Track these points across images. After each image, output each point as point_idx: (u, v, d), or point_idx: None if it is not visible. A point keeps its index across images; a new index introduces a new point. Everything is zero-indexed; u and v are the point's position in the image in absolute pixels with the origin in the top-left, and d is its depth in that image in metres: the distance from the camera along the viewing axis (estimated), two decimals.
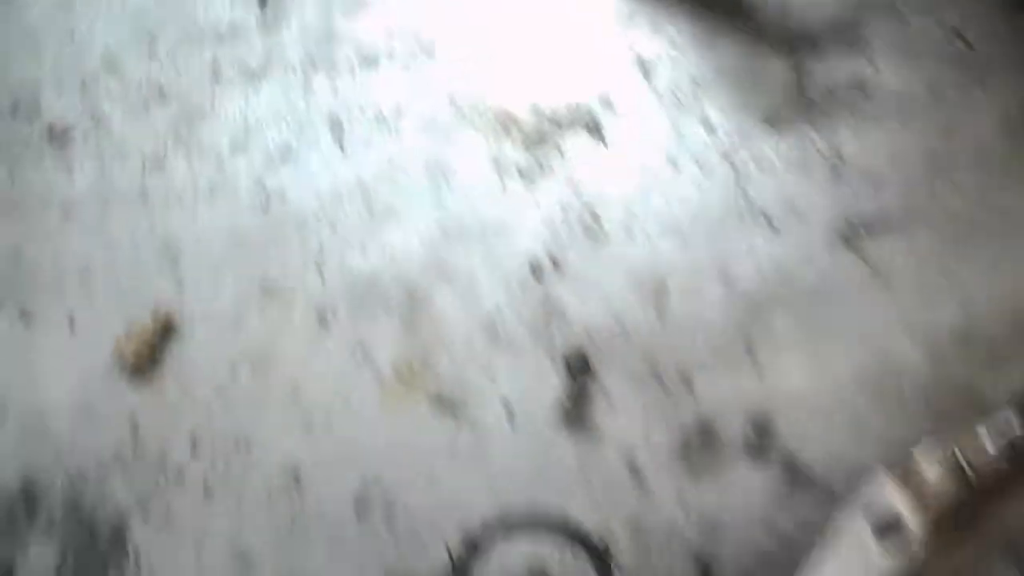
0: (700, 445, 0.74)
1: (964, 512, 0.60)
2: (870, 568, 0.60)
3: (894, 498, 0.60)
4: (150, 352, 0.71)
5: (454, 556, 0.72)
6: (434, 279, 0.74)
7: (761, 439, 0.74)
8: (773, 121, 0.76)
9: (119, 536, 0.71)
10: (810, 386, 0.75)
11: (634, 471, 0.73)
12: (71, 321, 0.73)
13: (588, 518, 0.73)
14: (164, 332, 0.72)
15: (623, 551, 0.72)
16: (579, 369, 0.73)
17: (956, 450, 0.62)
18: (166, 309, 0.73)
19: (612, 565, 0.71)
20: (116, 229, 0.76)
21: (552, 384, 0.74)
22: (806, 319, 0.76)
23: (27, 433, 0.72)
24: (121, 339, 0.70)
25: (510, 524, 0.72)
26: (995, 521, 0.60)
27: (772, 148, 0.76)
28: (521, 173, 0.76)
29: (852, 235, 0.76)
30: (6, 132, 0.82)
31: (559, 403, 0.74)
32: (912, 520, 0.60)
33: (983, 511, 0.59)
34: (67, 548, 0.71)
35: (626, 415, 0.74)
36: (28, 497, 0.71)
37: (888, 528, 0.61)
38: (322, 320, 0.73)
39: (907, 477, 0.62)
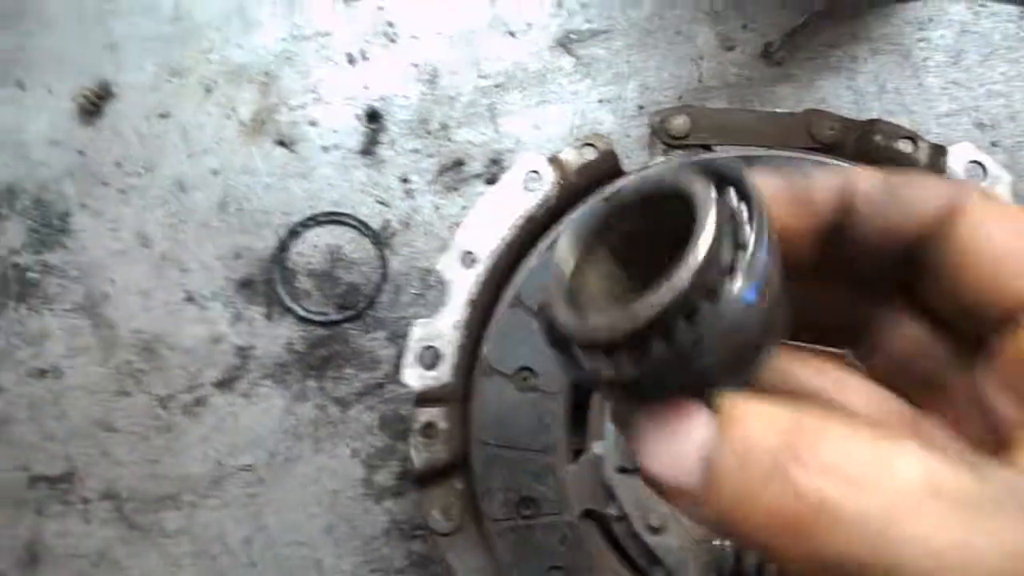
0: (452, 172, 1.06)
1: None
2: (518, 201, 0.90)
3: (539, 162, 0.91)
4: (95, 106, 1.07)
5: (280, 237, 1.06)
6: (282, 64, 1.08)
7: (494, 171, 1.06)
8: None
9: (65, 220, 1.05)
10: (531, 136, 1.06)
11: (407, 188, 1.06)
12: (48, 87, 1.09)
13: (373, 217, 1.06)
14: (105, 93, 1.07)
15: (396, 238, 1.05)
16: (372, 120, 1.06)
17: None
18: (107, 79, 1.08)
19: (385, 243, 1.04)
20: (82, 33, 1.12)
21: (355, 131, 1.07)
22: (531, 95, 1.06)
23: (14, 156, 1.07)
24: (77, 95, 1.05)
25: (318, 218, 1.05)
26: None
27: None
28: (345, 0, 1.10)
29: (567, 41, 1.07)
30: None
31: (359, 143, 1.07)
32: (550, 172, 0.90)
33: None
34: (31, 226, 1.06)
35: (402, 152, 1.07)
36: (11, 193, 1.06)
37: (534, 178, 0.91)
38: (207, 89, 1.07)
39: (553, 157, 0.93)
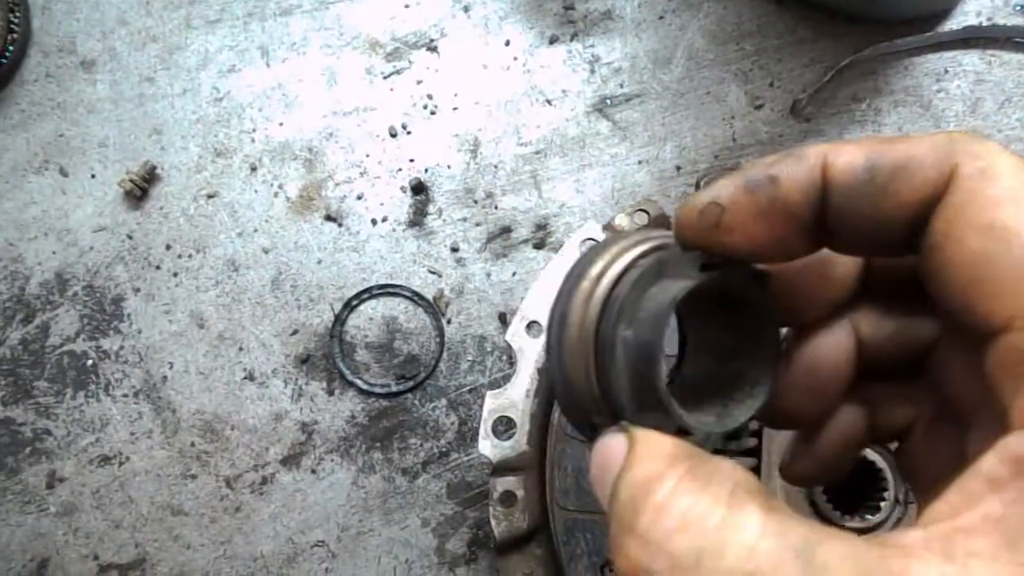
0: (500, 239, 1.09)
1: None
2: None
3: (595, 230, 0.94)
4: (141, 190, 1.08)
5: (335, 311, 1.07)
6: (325, 140, 1.10)
7: (541, 235, 1.09)
8: (551, 40, 1.13)
9: (119, 305, 1.07)
10: (575, 201, 1.10)
11: (457, 257, 1.09)
12: (91, 173, 1.10)
13: (426, 287, 1.08)
14: (150, 176, 1.08)
15: (450, 307, 1.07)
16: (418, 192, 1.09)
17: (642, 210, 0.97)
18: (152, 162, 1.09)
19: (440, 312, 1.06)
20: (123, 117, 1.13)
21: (402, 203, 1.10)
22: (572, 160, 1.09)
23: (62, 244, 1.08)
24: (124, 178, 1.06)
25: (372, 290, 1.07)
26: None
27: (551, 57, 1.12)
28: (383, 74, 1.12)
29: (602, 106, 1.10)
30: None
31: (407, 215, 1.09)
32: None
33: None
34: (85, 312, 1.06)
35: (450, 221, 1.10)
36: (61, 281, 1.07)
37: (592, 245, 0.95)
38: (252, 168, 1.09)
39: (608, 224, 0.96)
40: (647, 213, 0.94)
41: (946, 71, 1.09)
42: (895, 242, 0.35)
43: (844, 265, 0.39)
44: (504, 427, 0.89)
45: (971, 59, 1.09)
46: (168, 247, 1.05)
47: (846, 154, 0.34)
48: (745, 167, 0.35)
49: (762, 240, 0.35)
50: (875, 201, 0.33)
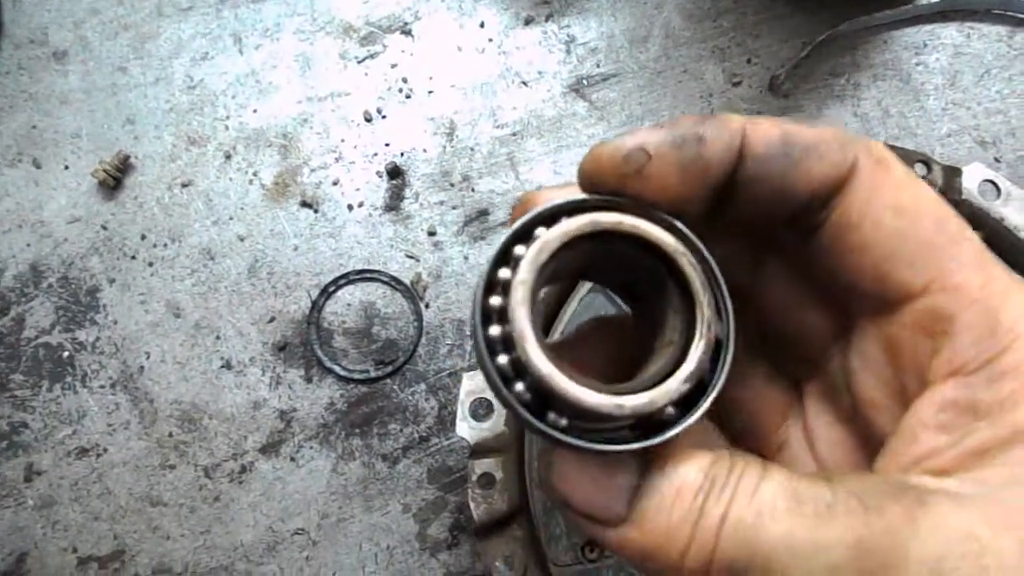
0: (477, 222, 1.08)
1: None
2: None
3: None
4: (115, 180, 1.07)
5: (312, 298, 1.06)
6: (300, 126, 1.09)
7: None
8: (526, 21, 1.11)
9: (94, 296, 1.06)
10: (553, 182, 1.09)
11: (434, 240, 1.08)
12: (65, 164, 1.09)
13: (404, 272, 1.07)
14: (124, 166, 1.07)
15: (428, 291, 1.06)
16: (394, 176, 1.08)
17: None
18: (126, 152, 1.08)
19: (418, 296, 1.05)
20: (95, 107, 1.12)
21: (378, 187, 1.09)
22: (549, 142, 1.08)
23: (36, 235, 1.07)
24: (97, 168, 1.05)
25: (349, 276, 1.06)
26: None
27: (527, 38, 1.11)
28: (358, 59, 1.11)
29: (579, 87, 1.09)
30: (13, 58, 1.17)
31: (383, 199, 1.08)
32: None
33: None
34: (60, 304, 1.05)
35: (427, 205, 1.09)
36: (35, 273, 1.06)
37: None
38: (227, 156, 1.08)
39: None
40: None
41: (925, 44, 1.08)
42: (791, 210, 0.38)
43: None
44: (482, 409, 0.88)
45: (949, 32, 1.08)
46: (143, 237, 1.04)
47: (764, 127, 0.37)
48: (673, 121, 0.37)
49: (673, 193, 0.37)
50: (786, 173, 0.36)
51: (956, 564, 0.28)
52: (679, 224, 0.37)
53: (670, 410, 0.35)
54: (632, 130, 0.37)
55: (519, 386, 0.35)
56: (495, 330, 0.35)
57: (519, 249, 0.36)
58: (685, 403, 0.36)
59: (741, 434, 0.44)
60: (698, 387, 0.36)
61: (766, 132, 0.36)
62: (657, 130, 0.37)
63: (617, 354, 0.43)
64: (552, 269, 0.37)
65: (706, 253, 0.37)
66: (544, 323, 0.90)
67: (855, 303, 0.39)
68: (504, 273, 0.36)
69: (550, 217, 0.37)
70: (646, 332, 0.41)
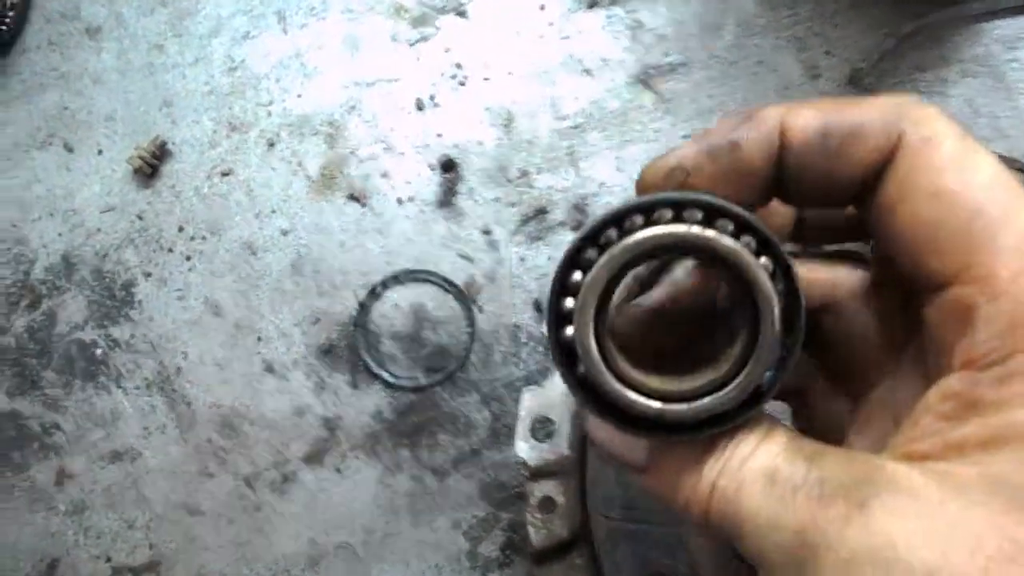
0: (535, 221, 1.02)
1: None
2: None
3: None
4: (151, 167, 1.01)
5: (359, 299, 1.01)
6: (347, 113, 1.03)
7: (579, 217, 1.01)
8: (590, 4, 1.04)
9: (129, 291, 1.00)
10: (615, 179, 1.02)
11: (489, 240, 1.02)
12: (98, 148, 1.03)
13: (456, 273, 1.01)
14: (161, 152, 1.01)
15: (482, 294, 1.00)
16: (448, 170, 1.01)
17: None
18: (162, 137, 1.02)
19: (470, 300, 0.99)
20: (131, 88, 1.06)
21: (430, 181, 1.03)
22: (612, 136, 1.02)
23: (68, 225, 1.02)
24: (133, 154, 1.00)
25: (399, 276, 1.00)
26: None
27: (590, 22, 1.04)
28: (409, 42, 1.04)
29: (646, 76, 1.02)
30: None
31: (435, 194, 1.02)
32: None
33: None
34: (93, 298, 1.00)
35: (482, 201, 1.03)
36: (68, 265, 1.00)
37: None
38: (270, 144, 1.02)
39: None
40: None
41: (1019, 39, 1.00)
42: (844, 197, 0.38)
43: (782, 216, 0.43)
44: (543, 428, 0.82)
45: None
46: (180, 229, 0.99)
47: (802, 117, 0.36)
48: (708, 131, 0.37)
49: (723, 196, 0.37)
50: (828, 162, 0.36)
51: (862, 570, 0.30)
52: (760, 226, 0.36)
53: None
54: (675, 147, 0.38)
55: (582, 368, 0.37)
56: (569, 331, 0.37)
57: (591, 253, 0.37)
58: None
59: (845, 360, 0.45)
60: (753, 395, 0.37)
61: (805, 122, 0.36)
62: (693, 144, 0.37)
63: (685, 338, 0.45)
64: (625, 275, 0.38)
65: (789, 262, 0.36)
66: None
67: (912, 285, 0.39)
68: (577, 276, 0.37)
69: (620, 218, 0.37)
70: (717, 323, 0.42)
